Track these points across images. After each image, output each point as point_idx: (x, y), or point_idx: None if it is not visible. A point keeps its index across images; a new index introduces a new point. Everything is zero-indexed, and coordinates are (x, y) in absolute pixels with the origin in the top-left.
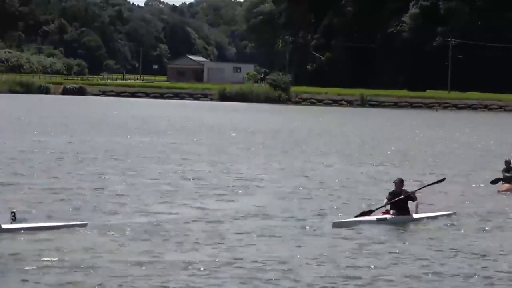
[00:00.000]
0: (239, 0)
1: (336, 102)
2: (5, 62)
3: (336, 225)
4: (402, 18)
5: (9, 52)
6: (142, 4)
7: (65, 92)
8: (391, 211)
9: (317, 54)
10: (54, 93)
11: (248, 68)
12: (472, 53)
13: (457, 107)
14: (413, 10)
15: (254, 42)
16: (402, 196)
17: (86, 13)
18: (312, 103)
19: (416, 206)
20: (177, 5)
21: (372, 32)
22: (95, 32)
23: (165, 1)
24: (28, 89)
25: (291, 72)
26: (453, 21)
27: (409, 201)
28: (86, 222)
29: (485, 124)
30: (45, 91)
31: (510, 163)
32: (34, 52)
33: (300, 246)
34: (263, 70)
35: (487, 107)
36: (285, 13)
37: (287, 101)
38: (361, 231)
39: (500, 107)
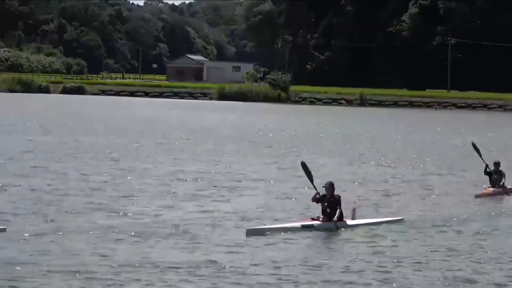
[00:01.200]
0: (239, 0)
1: (335, 101)
2: (5, 61)
3: (251, 232)
4: (402, 18)
5: (8, 51)
6: (141, 3)
7: (65, 91)
8: (321, 217)
9: (316, 54)
10: (53, 92)
11: (248, 67)
12: (472, 53)
13: (457, 106)
14: (413, 9)
15: (254, 41)
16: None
17: (86, 12)
18: (312, 102)
19: (353, 212)
20: (177, 4)
21: (372, 32)
22: (95, 32)
23: (165, 1)
24: (27, 88)
25: (291, 72)
26: (453, 21)
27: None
28: (5, 227)
29: (484, 123)
30: (45, 90)
31: (499, 165)
32: (34, 52)
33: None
34: (262, 69)
35: (487, 107)
36: (284, 13)
37: (287, 100)
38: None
39: (500, 106)
